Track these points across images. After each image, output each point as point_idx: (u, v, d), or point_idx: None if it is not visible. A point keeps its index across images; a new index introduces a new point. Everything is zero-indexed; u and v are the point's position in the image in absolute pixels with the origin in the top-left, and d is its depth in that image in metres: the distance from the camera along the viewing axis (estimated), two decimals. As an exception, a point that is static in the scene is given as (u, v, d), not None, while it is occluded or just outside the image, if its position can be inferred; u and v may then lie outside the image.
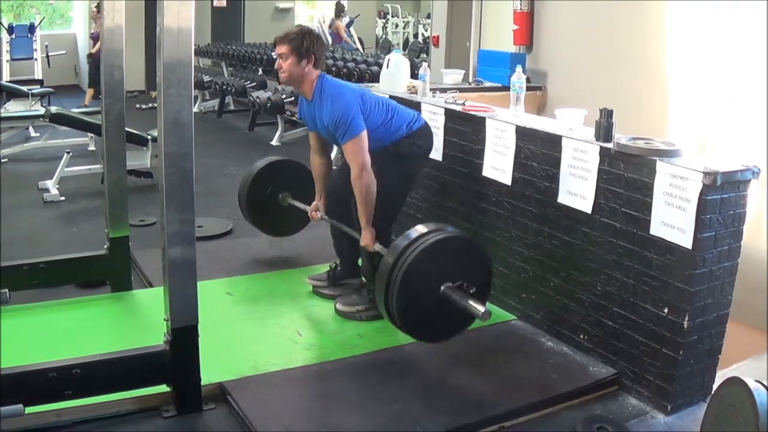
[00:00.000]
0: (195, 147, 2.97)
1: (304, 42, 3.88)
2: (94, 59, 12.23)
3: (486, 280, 3.46)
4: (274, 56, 4.00)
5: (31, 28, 14.09)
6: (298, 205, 4.72)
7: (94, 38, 12.37)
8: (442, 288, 3.31)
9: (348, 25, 15.29)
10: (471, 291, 3.31)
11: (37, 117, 8.18)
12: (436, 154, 4.60)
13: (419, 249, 3.28)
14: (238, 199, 4.97)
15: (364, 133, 3.86)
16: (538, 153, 3.90)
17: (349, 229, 4.13)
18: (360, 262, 4.33)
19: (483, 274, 3.45)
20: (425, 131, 4.17)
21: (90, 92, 12.50)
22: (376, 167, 3.87)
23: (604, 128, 3.54)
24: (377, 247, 3.85)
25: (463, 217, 4.49)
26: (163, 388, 3.16)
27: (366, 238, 3.90)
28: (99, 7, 11.97)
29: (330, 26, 14.92)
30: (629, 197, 3.38)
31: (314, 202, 4.47)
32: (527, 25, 6.85)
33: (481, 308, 3.22)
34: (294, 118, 9.43)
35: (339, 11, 14.99)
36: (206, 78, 12.15)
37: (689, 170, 3.09)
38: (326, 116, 3.89)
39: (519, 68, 4.42)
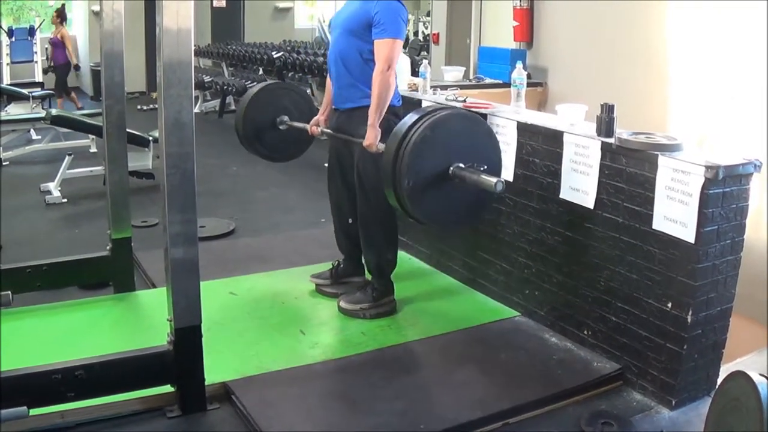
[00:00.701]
0: (196, 147, 2.98)
1: None
2: (57, 66, 11.85)
3: (495, 157, 3.44)
4: None
5: (31, 31, 14.10)
6: (297, 125, 4.59)
7: (54, 44, 11.90)
8: (452, 168, 3.28)
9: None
10: (482, 168, 3.29)
11: (38, 119, 8.20)
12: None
13: (424, 126, 3.24)
14: (236, 130, 4.78)
15: (400, 42, 3.89)
16: (540, 149, 3.90)
17: (348, 136, 4.05)
18: (363, 259, 4.33)
19: (492, 152, 3.42)
20: (400, 110, 4.09)
21: (60, 101, 11.80)
22: (366, 154, 3.87)
23: (606, 123, 3.53)
24: (380, 146, 3.74)
25: (465, 214, 4.49)
26: (167, 388, 3.16)
27: (370, 137, 3.82)
28: (59, 11, 11.70)
29: None
30: (631, 192, 3.38)
31: (315, 117, 4.41)
32: (527, 22, 6.85)
33: (493, 179, 3.18)
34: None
35: None
36: (207, 78, 12.15)
37: (691, 164, 3.08)
38: (376, 7, 3.84)
39: (519, 64, 4.41)
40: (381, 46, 3.85)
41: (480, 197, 3.36)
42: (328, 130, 4.27)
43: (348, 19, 3.99)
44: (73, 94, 11.97)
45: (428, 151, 3.25)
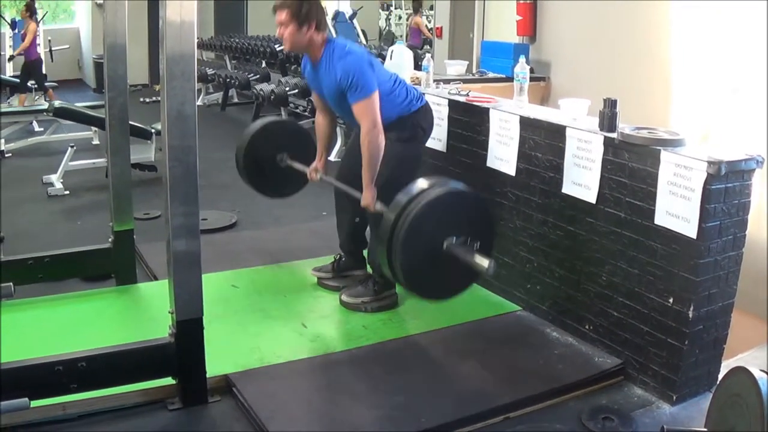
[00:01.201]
0: (199, 140, 2.98)
1: (302, 7, 3.78)
2: (28, 61, 11.12)
3: (490, 234, 3.44)
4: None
5: (34, 23, 14.07)
6: (297, 167, 4.61)
7: (23, 38, 11.22)
8: (446, 244, 3.28)
9: (351, 17, 15.21)
10: (475, 246, 3.28)
11: (40, 111, 8.20)
12: (440, 145, 4.60)
13: (421, 204, 3.23)
14: (236, 160, 4.82)
15: (376, 94, 3.80)
16: (542, 143, 3.90)
17: (351, 189, 4.06)
18: (366, 253, 4.33)
19: (487, 228, 3.42)
20: (426, 110, 4.13)
21: (22, 98, 11.01)
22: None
23: (608, 118, 3.53)
24: (378, 206, 3.76)
25: (467, 208, 4.49)
26: (169, 380, 3.17)
27: (367, 198, 3.83)
28: (28, 5, 11.22)
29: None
30: (633, 187, 3.38)
31: (314, 163, 4.40)
32: (531, 16, 6.82)
33: (485, 262, 3.19)
34: (298, 111, 9.42)
35: (418, 6, 14.67)
36: (210, 71, 12.14)
37: (693, 160, 3.08)
38: (338, 74, 3.78)
39: (522, 59, 4.40)
40: (359, 109, 3.79)
41: (471, 272, 3.37)
42: (328, 178, 4.31)
43: (327, 89, 3.97)
44: (23, 95, 11.06)
45: (423, 228, 3.26)
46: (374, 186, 3.82)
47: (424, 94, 4.25)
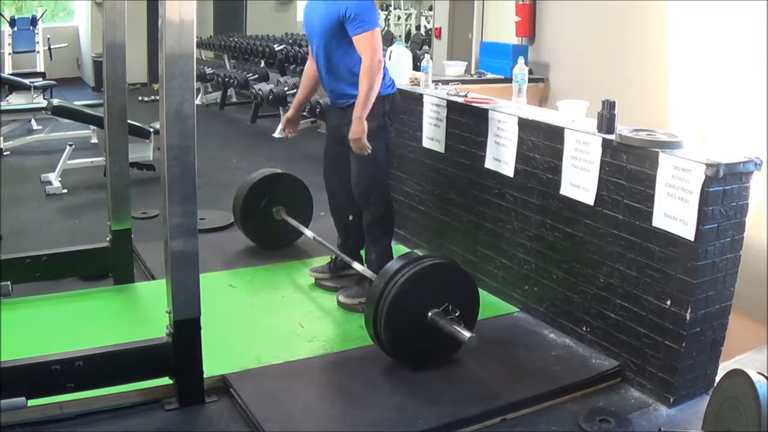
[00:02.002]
0: (197, 139, 2.98)
1: None
2: None
3: (473, 303, 3.57)
4: None
5: (33, 21, 14.06)
6: (292, 222, 4.85)
7: None
8: (430, 314, 3.39)
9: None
10: (456, 314, 3.39)
11: (39, 110, 8.17)
12: (439, 145, 4.61)
13: (404, 277, 3.37)
14: (233, 210, 5.05)
15: (378, 30, 3.83)
16: (541, 145, 3.90)
17: (346, 257, 4.27)
18: (363, 252, 4.33)
19: (470, 298, 3.56)
20: (395, 99, 4.13)
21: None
22: (363, 157, 3.91)
23: (607, 120, 3.53)
24: (368, 273, 3.85)
25: (465, 209, 4.49)
26: (166, 380, 3.17)
27: (357, 130, 3.83)
28: None
29: None
30: (632, 189, 3.38)
31: (288, 113, 4.51)
32: (530, 17, 6.82)
33: (466, 334, 3.30)
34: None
35: None
36: (209, 70, 12.14)
37: (692, 162, 3.08)
38: (342, 4, 3.78)
39: (521, 60, 4.41)
40: (364, 40, 3.80)
41: (455, 340, 3.45)
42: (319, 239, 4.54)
43: (322, 30, 3.94)
44: None
45: (406, 302, 3.38)
46: (364, 120, 3.84)
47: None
